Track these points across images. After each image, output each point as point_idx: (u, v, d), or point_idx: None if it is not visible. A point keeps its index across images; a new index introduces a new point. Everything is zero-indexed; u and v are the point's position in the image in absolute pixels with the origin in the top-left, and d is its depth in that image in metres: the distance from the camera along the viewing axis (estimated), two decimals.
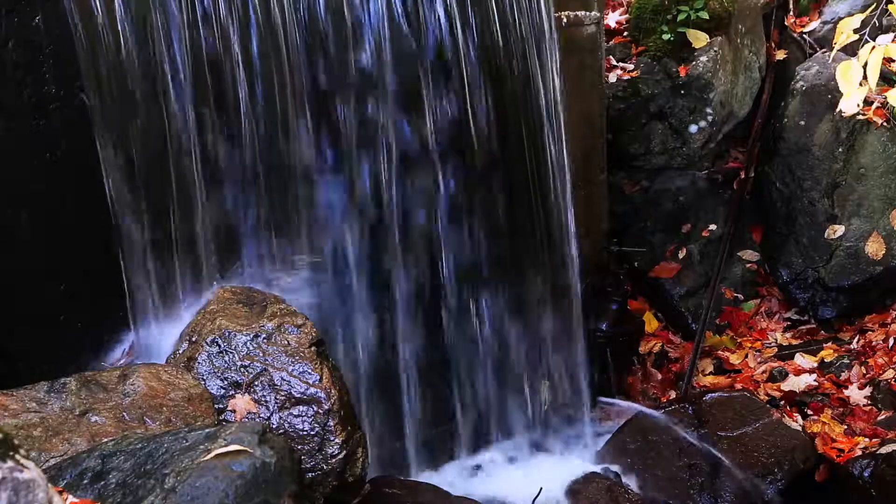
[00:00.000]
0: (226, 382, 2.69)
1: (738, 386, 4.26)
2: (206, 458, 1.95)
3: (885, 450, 3.56)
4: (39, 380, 2.54)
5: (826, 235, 4.61)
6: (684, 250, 4.77)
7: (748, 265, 4.84)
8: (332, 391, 2.68)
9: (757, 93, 5.03)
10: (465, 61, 3.33)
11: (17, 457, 1.34)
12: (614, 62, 4.75)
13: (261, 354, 2.72)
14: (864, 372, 4.26)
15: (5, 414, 2.38)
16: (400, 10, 3.19)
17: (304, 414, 2.65)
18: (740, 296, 4.77)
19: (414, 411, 3.55)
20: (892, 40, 2.80)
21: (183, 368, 2.70)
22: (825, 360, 4.37)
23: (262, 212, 3.14)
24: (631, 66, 4.75)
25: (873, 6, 3.50)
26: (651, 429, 3.78)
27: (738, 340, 4.62)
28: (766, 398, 4.18)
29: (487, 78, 3.41)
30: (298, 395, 2.66)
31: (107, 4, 2.75)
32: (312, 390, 2.67)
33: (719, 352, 4.56)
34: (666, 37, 4.69)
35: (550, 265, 3.79)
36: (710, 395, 3.97)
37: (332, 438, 2.63)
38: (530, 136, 3.62)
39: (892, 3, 3.03)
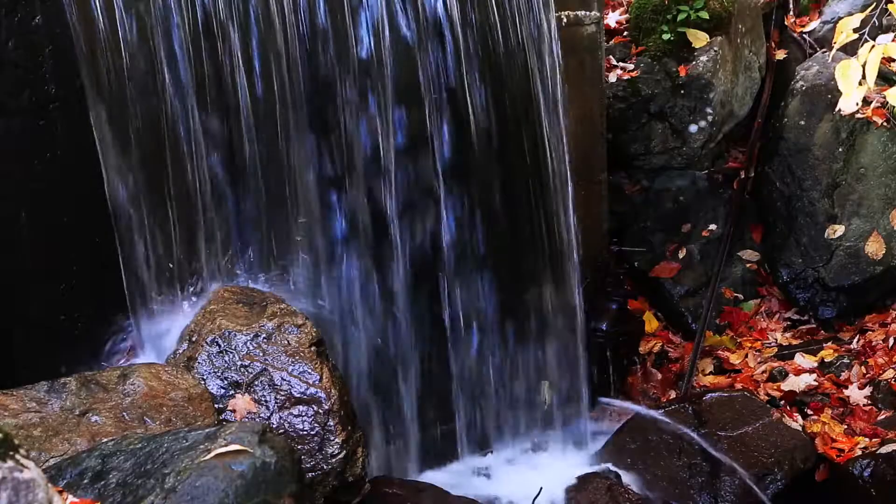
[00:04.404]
0: (226, 382, 2.69)
1: (738, 386, 4.25)
2: (206, 458, 1.95)
3: (885, 450, 3.56)
4: (39, 380, 2.54)
5: (826, 235, 4.60)
6: (684, 250, 4.77)
7: (748, 265, 4.84)
8: (332, 391, 2.68)
9: (757, 92, 5.03)
10: (465, 61, 3.34)
11: (18, 456, 1.34)
12: (614, 62, 4.75)
13: (261, 354, 2.72)
14: (864, 372, 4.25)
15: (5, 414, 2.39)
16: (399, 10, 3.19)
17: (304, 414, 2.65)
18: (740, 296, 4.77)
19: (414, 411, 3.55)
20: (892, 39, 2.80)
21: (183, 368, 2.70)
22: (825, 360, 4.37)
23: (261, 209, 3.14)
24: (631, 66, 4.75)
25: (873, 6, 3.50)
26: (651, 429, 3.78)
27: (738, 340, 4.62)
28: (766, 398, 4.18)
29: (487, 77, 3.41)
30: (298, 395, 2.66)
31: (107, 4, 2.75)
32: (312, 390, 2.67)
33: (719, 351, 4.56)
34: (666, 37, 4.69)
35: (550, 265, 3.79)
36: (710, 394, 3.96)
37: (332, 438, 2.63)
38: (530, 136, 3.62)
39: (892, 2, 3.03)
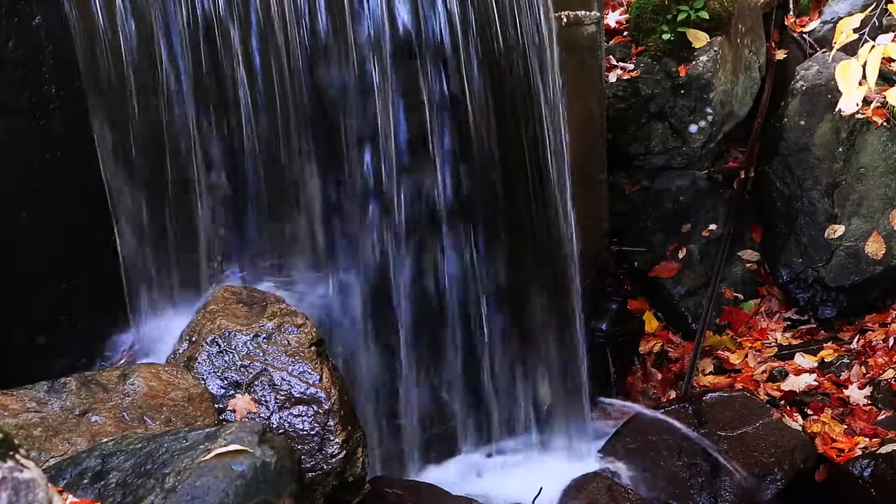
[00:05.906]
0: (226, 382, 2.69)
1: (738, 386, 4.26)
2: (206, 458, 1.95)
3: (885, 450, 3.56)
4: (39, 380, 2.54)
5: (826, 235, 4.61)
6: (684, 250, 4.77)
7: (748, 265, 4.84)
8: (332, 391, 2.68)
9: (757, 92, 5.03)
10: (465, 61, 3.34)
11: (18, 456, 1.34)
12: (614, 62, 4.75)
13: (261, 354, 2.72)
14: (864, 372, 4.26)
15: (5, 414, 2.39)
16: (400, 10, 3.19)
17: (304, 414, 2.65)
18: (740, 295, 4.77)
19: (414, 411, 3.55)
20: (892, 40, 2.80)
21: (183, 368, 2.70)
22: (825, 360, 4.37)
23: (261, 211, 3.14)
24: (631, 66, 4.75)
25: (873, 6, 3.50)
26: (651, 429, 3.78)
27: (738, 340, 4.62)
28: (766, 398, 4.18)
29: (487, 77, 3.41)
30: (298, 395, 2.66)
31: (107, 4, 2.75)
32: (312, 390, 2.67)
33: (719, 351, 4.56)
34: (666, 37, 4.69)
35: (551, 265, 3.79)
36: (710, 394, 3.97)
37: (332, 438, 2.63)
38: (530, 136, 3.62)
39: (892, 2, 3.03)
